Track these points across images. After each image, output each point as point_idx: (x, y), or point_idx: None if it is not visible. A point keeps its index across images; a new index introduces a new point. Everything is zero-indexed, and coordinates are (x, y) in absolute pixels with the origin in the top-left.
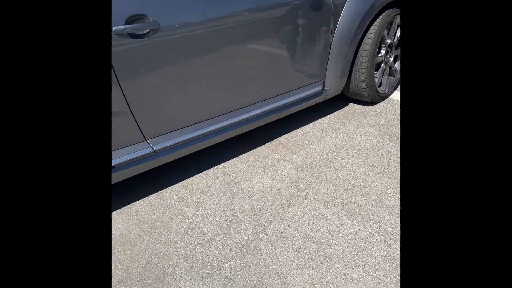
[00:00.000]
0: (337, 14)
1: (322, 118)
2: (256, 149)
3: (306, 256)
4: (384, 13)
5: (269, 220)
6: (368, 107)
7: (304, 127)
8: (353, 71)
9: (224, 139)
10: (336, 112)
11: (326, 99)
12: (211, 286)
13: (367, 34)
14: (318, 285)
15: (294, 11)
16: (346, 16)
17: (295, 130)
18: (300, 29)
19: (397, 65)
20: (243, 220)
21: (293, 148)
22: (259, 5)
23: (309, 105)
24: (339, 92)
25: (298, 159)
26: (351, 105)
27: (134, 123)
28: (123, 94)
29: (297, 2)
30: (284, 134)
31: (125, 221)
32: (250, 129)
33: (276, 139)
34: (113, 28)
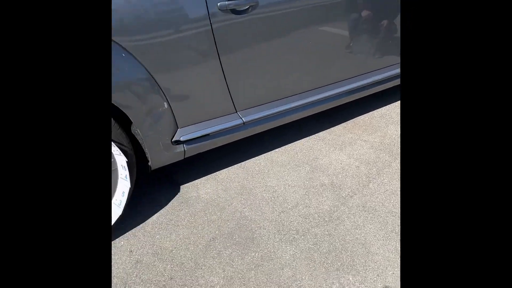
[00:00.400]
0: None
1: (399, 101)
2: (333, 128)
3: (389, 229)
4: None
5: (350, 194)
6: None
7: (380, 109)
8: None
9: (305, 116)
10: None
11: None
12: (298, 249)
13: None
14: None
15: None
16: None
17: (371, 112)
18: (384, 11)
19: None
20: (323, 192)
21: (369, 129)
22: None
23: (387, 87)
24: None
25: (376, 140)
26: None
27: (228, 95)
28: (221, 67)
29: None
30: (360, 115)
31: (213, 186)
32: (330, 107)
33: (352, 120)
34: (218, 4)
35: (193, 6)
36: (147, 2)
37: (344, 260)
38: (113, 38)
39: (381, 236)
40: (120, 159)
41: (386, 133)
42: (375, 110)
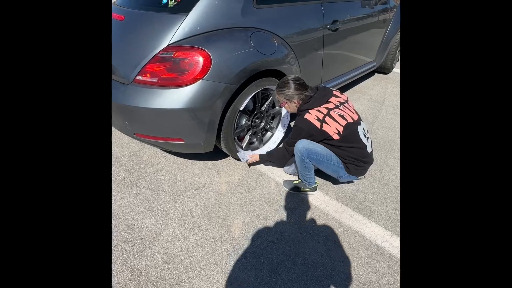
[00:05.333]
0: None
1: (371, 78)
2: (347, 91)
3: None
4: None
5: (374, 116)
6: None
7: (363, 83)
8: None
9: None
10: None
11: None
12: None
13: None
14: None
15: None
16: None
17: (360, 84)
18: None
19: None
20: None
21: (363, 91)
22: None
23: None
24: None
25: (366, 96)
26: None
27: (320, 71)
28: (323, 55)
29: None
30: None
31: None
32: (354, 79)
33: (352, 88)
34: (327, 26)
35: (319, 28)
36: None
37: None
38: (284, 39)
39: None
40: None
41: (371, 93)
42: (361, 83)
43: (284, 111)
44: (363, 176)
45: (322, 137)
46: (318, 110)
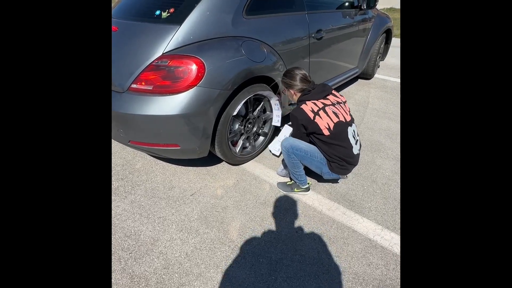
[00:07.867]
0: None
1: (354, 83)
2: None
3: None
4: (382, 36)
5: (362, 113)
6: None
7: (349, 87)
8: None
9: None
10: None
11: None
12: None
13: (375, 43)
14: None
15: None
16: (371, 35)
17: (345, 89)
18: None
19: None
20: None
21: (348, 96)
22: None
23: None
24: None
25: (352, 100)
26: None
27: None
28: (309, 62)
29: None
30: (341, 91)
31: None
32: (338, 85)
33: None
34: (312, 35)
35: (305, 37)
36: (288, 34)
37: None
38: (273, 47)
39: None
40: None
41: (356, 98)
42: (346, 88)
43: (275, 116)
44: (345, 176)
45: (313, 129)
46: (315, 103)
